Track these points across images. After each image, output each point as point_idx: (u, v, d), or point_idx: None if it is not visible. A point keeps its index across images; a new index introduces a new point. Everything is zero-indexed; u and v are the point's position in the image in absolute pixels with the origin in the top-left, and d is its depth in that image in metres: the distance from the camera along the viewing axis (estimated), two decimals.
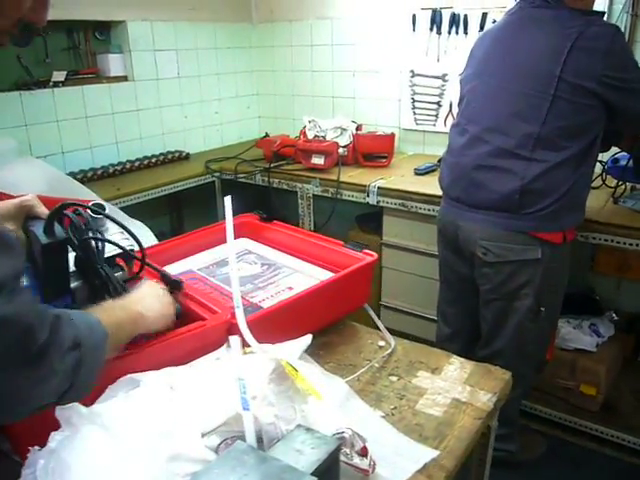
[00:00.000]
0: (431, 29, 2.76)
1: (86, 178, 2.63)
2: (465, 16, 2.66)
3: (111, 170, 2.74)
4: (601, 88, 1.58)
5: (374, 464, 0.79)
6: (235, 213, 1.11)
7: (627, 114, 1.69)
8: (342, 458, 0.75)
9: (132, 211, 2.38)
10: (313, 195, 2.60)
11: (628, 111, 1.67)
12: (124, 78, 2.91)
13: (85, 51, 2.81)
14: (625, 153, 2.06)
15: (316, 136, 2.78)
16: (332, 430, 0.77)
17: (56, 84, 2.62)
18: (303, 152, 2.64)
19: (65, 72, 2.65)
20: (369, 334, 1.25)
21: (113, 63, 2.87)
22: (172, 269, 1.33)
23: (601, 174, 2.26)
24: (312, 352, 1.15)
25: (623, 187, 2.17)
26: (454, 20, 2.69)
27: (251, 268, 1.35)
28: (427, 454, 0.87)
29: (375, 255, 1.25)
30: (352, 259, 1.27)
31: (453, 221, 1.86)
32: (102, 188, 2.49)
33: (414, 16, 2.80)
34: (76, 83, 2.71)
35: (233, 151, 3.12)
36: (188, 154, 3.13)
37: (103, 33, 2.89)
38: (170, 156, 3.04)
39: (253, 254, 1.44)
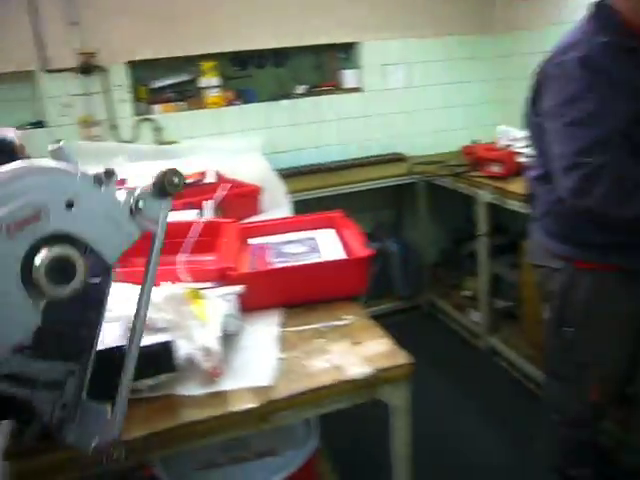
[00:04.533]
0: None
1: (313, 171, 3.33)
2: None
3: (333, 166, 3.38)
4: None
5: (220, 371, 1.16)
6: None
7: None
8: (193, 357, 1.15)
9: (353, 199, 3.02)
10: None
11: None
12: (357, 89, 3.50)
13: (329, 68, 3.50)
14: None
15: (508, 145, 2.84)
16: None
17: (300, 95, 3.39)
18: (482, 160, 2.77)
19: (306, 86, 3.41)
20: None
21: (349, 77, 3.48)
22: (257, 241, 1.84)
23: None
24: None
25: None
26: None
27: (296, 248, 1.75)
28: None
29: (369, 252, 1.50)
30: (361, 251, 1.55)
31: None
32: (327, 178, 3.20)
33: None
34: (315, 94, 3.43)
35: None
36: (404, 156, 3.52)
37: (345, 52, 3.52)
38: (387, 157, 3.51)
39: (313, 241, 1.81)
